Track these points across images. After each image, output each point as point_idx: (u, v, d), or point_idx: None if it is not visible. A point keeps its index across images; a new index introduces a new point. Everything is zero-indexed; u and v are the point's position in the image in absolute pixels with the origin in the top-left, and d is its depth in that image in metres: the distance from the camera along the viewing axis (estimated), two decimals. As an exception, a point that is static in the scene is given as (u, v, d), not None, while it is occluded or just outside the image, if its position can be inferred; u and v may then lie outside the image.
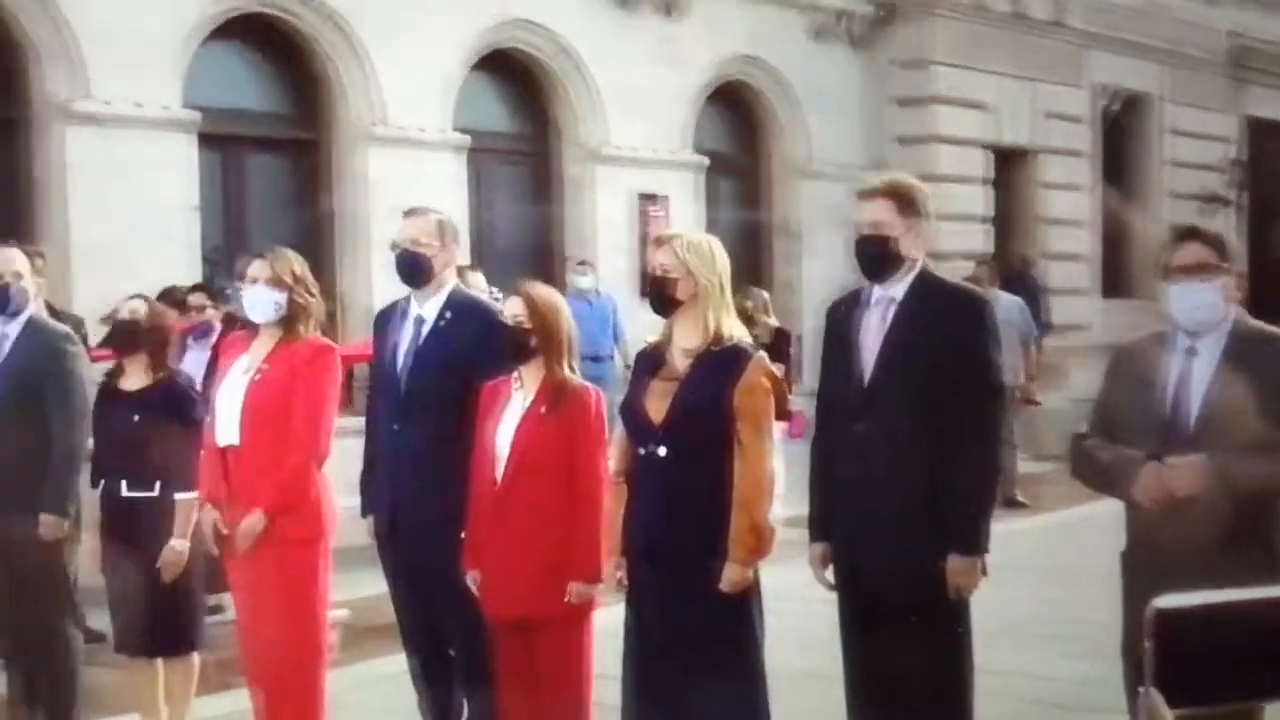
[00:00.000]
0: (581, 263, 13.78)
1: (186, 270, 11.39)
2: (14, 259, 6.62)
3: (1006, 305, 12.89)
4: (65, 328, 6.80)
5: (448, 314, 5.62)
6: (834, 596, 4.89)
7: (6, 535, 6.37)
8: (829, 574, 4.89)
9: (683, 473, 4.85)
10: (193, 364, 8.53)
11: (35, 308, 6.66)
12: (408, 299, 5.75)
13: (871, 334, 4.80)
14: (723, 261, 5.01)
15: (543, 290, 5.39)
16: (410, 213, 5.83)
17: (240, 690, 6.25)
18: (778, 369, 5.10)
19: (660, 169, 15.62)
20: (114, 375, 6.36)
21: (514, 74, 15.09)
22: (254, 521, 5.67)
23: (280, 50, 13.43)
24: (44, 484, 6.29)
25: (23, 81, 11.83)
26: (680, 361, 4.85)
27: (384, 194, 12.49)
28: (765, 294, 12.84)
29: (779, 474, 5.02)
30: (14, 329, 6.48)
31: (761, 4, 16.43)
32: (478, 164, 14.41)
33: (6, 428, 6.30)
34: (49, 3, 11.58)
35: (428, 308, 5.68)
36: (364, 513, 5.92)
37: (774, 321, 12.06)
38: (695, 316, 4.86)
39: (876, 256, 4.69)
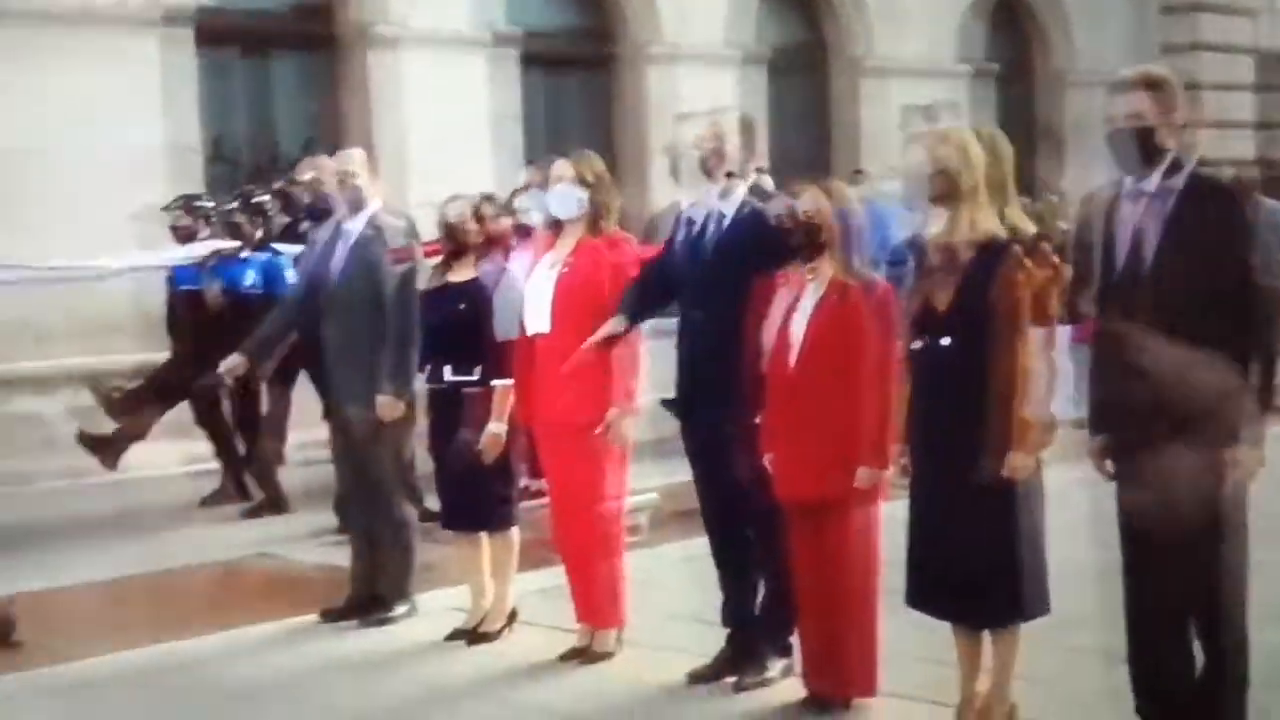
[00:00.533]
0: (857, 171, 13.75)
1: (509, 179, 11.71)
2: (354, 159, 7.01)
3: (1270, 209, 12.35)
4: (402, 224, 7.14)
5: (746, 209, 5.66)
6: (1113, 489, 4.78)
7: (347, 416, 6.83)
8: (1108, 466, 4.74)
9: (964, 362, 4.87)
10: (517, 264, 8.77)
11: (375, 206, 6.93)
12: (710, 194, 5.79)
13: (1129, 227, 4.63)
14: (1005, 152, 5.04)
15: (837, 186, 5.44)
16: (710, 112, 5.90)
17: (557, 566, 6.53)
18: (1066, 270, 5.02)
19: (928, 80, 15.30)
20: (442, 269, 6.66)
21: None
22: (621, 418, 5.97)
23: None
24: (380, 368, 6.61)
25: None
26: (963, 253, 4.85)
27: (680, 107, 12.62)
28: (1055, 197, 12.63)
29: (1068, 373, 4.95)
30: (357, 224, 6.83)
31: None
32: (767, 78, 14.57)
33: (346, 315, 6.73)
34: None
35: (727, 203, 5.71)
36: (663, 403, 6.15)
37: (1064, 225, 11.85)
38: (974, 209, 4.83)
39: (1133, 147, 4.56)
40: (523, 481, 7.01)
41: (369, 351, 6.68)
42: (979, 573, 4.86)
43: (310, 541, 8.49)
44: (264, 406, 9.62)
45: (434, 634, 6.56)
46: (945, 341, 4.91)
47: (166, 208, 9.64)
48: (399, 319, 6.67)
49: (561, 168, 6.14)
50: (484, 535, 6.63)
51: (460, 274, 6.57)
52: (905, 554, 5.05)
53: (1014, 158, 5.24)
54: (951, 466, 4.87)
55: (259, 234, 9.37)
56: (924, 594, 5.03)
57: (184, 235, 9.52)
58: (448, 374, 6.51)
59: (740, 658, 5.75)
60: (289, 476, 9.63)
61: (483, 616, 6.58)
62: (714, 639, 5.86)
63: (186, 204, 9.62)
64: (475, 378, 6.43)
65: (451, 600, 6.86)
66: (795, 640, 5.64)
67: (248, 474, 9.70)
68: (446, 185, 7.07)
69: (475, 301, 6.45)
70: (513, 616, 6.59)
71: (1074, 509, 5.48)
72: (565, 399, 5.98)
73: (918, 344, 5.01)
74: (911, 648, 5.42)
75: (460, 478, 6.52)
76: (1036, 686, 5.16)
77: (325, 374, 7.10)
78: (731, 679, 5.72)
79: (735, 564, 5.86)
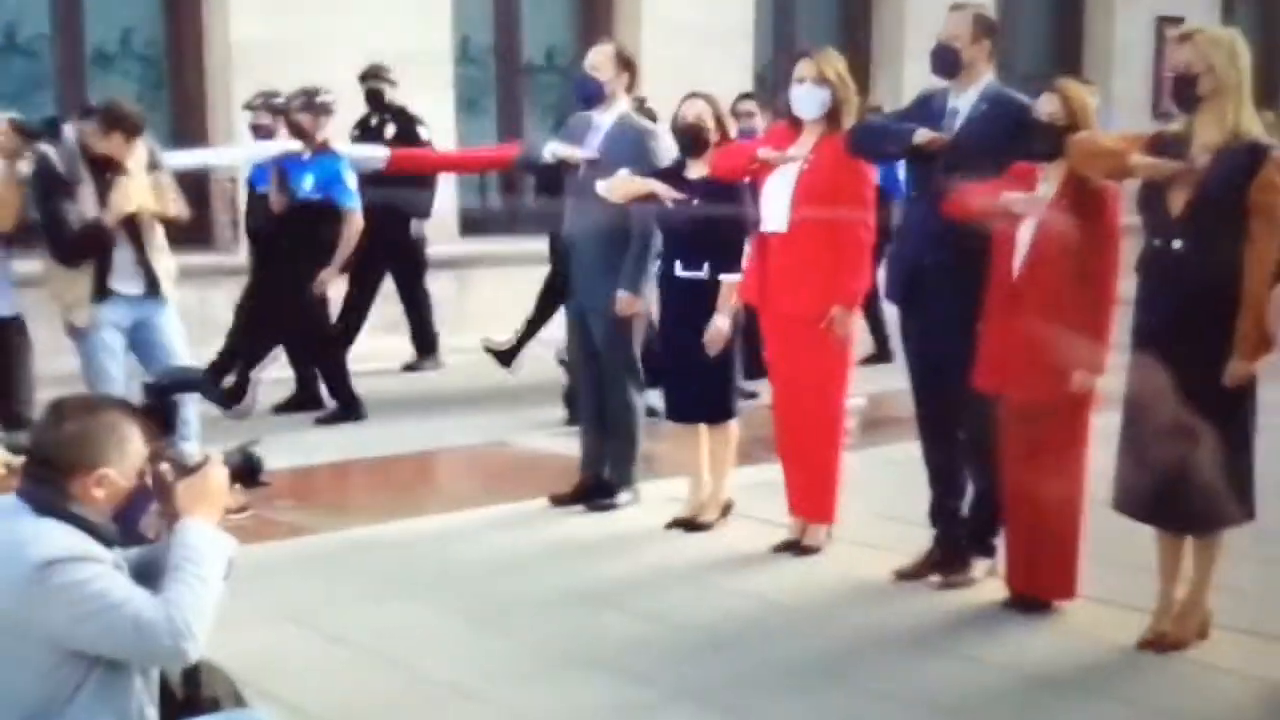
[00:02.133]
0: (1087, 82, 13.73)
1: (740, 83, 11.88)
2: (606, 53, 7.21)
3: None
4: (650, 124, 7.44)
5: (983, 106, 5.77)
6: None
7: (583, 308, 7.20)
8: None
9: (1197, 266, 4.98)
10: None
11: (626, 104, 7.22)
12: (944, 91, 5.90)
13: None
14: (1245, 58, 5.07)
15: (1075, 89, 5.53)
16: (954, 8, 5.99)
17: (772, 463, 6.83)
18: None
19: None
20: (678, 167, 6.87)
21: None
22: (845, 317, 6.23)
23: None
24: (621, 264, 6.95)
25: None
26: (1200, 156, 4.90)
27: (919, 11, 12.81)
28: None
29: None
30: (607, 120, 7.12)
31: None
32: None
33: (595, 210, 6.91)
34: None
35: (963, 100, 5.82)
36: (886, 295, 6.34)
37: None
38: (1216, 112, 4.97)
39: None
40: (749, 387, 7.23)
41: (613, 247, 6.98)
42: (1190, 478, 4.92)
43: (541, 431, 8.87)
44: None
45: (655, 521, 6.92)
46: (1178, 245, 5.00)
47: (247, 105, 9.65)
48: (642, 217, 6.92)
49: (805, 68, 6.30)
50: (703, 427, 6.90)
51: (693, 172, 6.77)
52: (1116, 459, 5.15)
53: (1267, 69, 5.22)
54: (1176, 370, 4.98)
55: (321, 136, 9.15)
56: (1132, 497, 5.12)
57: (264, 135, 9.47)
58: (679, 269, 6.76)
59: (945, 557, 6.00)
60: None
61: (700, 506, 6.89)
62: (921, 539, 6.12)
63: (265, 101, 9.50)
64: (704, 274, 6.67)
65: (672, 490, 7.19)
66: (1000, 541, 5.85)
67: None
68: (684, 85, 7.20)
69: (706, 200, 6.64)
70: (728, 508, 6.90)
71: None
72: (801, 293, 6.22)
73: (1149, 246, 5.10)
74: (1114, 552, 5.54)
75: (684, 369, 6.81)
76: (1232, 595, 5.30)
77: (570, 266, 7.35)
78: (936, 577, 5.96)
79: (945, 464, 6.07)
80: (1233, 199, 4.89)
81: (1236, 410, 4.99)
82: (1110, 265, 5.37)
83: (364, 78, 10.23)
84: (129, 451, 3.35)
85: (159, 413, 3.81)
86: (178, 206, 7.17)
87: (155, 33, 10.91)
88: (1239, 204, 4.88)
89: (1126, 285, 5.30)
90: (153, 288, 7.11)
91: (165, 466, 3.41)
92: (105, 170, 6.93)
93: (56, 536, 3.22)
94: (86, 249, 6.97)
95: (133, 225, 6.98)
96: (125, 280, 7.07)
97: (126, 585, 3.24)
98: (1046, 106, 5.46)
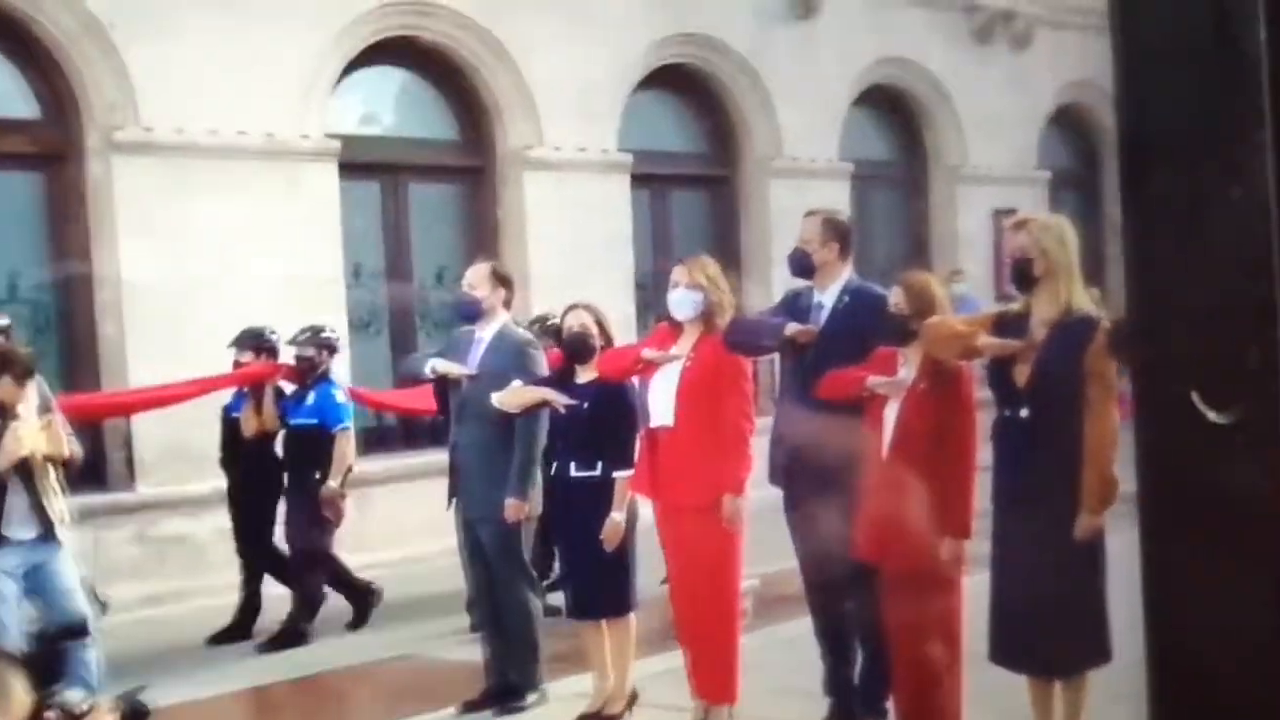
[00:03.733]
0: (956, 271, 15.06)
1: (622, 294, 12.52)
2: (482, 272, 7.81)
3: None
4: (529, 335, 8.06)
5: (845, 299, 6.36)
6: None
7: (471, 517, 7.63)
8: None
9: (1043, 431, 5.62)
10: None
11: (505, 318, 7.79)
12: (810, 289, 6.49)
13: None
14: (1073, 241, 5.80)
15: (919, 280, 6.16)
16: (807, 214, 6.61)
17: (673, 650, 7.26)
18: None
19: (1012, 185, 17.70)
20: (565, 375, 7.39)
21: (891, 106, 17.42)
22: (733, 505, 6.65)
23: (696, 95, 15.49)
24: (508, 471, 7.40)
25: (489, 133, 13.51)
26: (1039, 331, 5.46)
27: (783, 220, 13.79)
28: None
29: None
30: (488, 334, 7.68)
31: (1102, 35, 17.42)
32: (860, 189, 16.50)
33: (478, 420, 7.46)
34: (508, 59, 13.23)
35: (827, 295, 6.50)
36: (770, 479, 6.89)
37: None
38: (1051, 290, 5.58)
39: None
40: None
41: (497, 454, 7.42)
42: (1049, 625, 5.42)
43: (447, 640, 9.21)
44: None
45: (564, 718, 7.24)
46: (1025, 413, 5.63)
47: (233, 342, 10.14)
48: (525, 425, 7.40)
49: (679, 274, 6.91)
50: (604, 622, 7.28)
51: (582, 376, 7.27)
52: (988, 614, 5.63)
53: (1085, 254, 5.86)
54: (1032, 527, 5.59)
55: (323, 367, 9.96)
56: (1002, 648, 5.58)
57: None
58: (573, 469, 7.20)
59: None
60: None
61: (607, 699, 7.27)
62: (819, 710, 6.63)
63: (254, 340, 10.10)
64: (598, 472, 7.10)
65: (578, 686, 7.58)
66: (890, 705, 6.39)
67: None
68: (566, 298, 7.85)
69: (596, 402, 7.14)
70: (634, 698, 7.34)
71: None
72: (690, 483, 6.72)
73: (1000, 416, 5.67)
74: (998, 703, 5.98)
75: (581, 567, 7.24)
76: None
77: (458, 477, 7.75)
78: (836, 746, 6.38)
79: (834, 635, 6.62)
80: (1070, 368, 5.54)
81: (1088, 560, 5.56)
82: (968, 437, 6.00)
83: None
84: (12, 703, 3.43)
85: (47, 660, 3.79)
86: (71, 446, 7.37)
87: (46, 277, 11.32)
88: (1076, 372, 5.52)
89: (985, 453, 5.87)
90: (47, 532, 7.19)
91: (51, 715, 3.46)
92: None
93: None
94: None
95: (26, 469, 7.13)
96: (19, 526, 7.14)
97: None
98: (893, 298, 6.16)
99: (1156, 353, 2.59)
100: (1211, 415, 2.35)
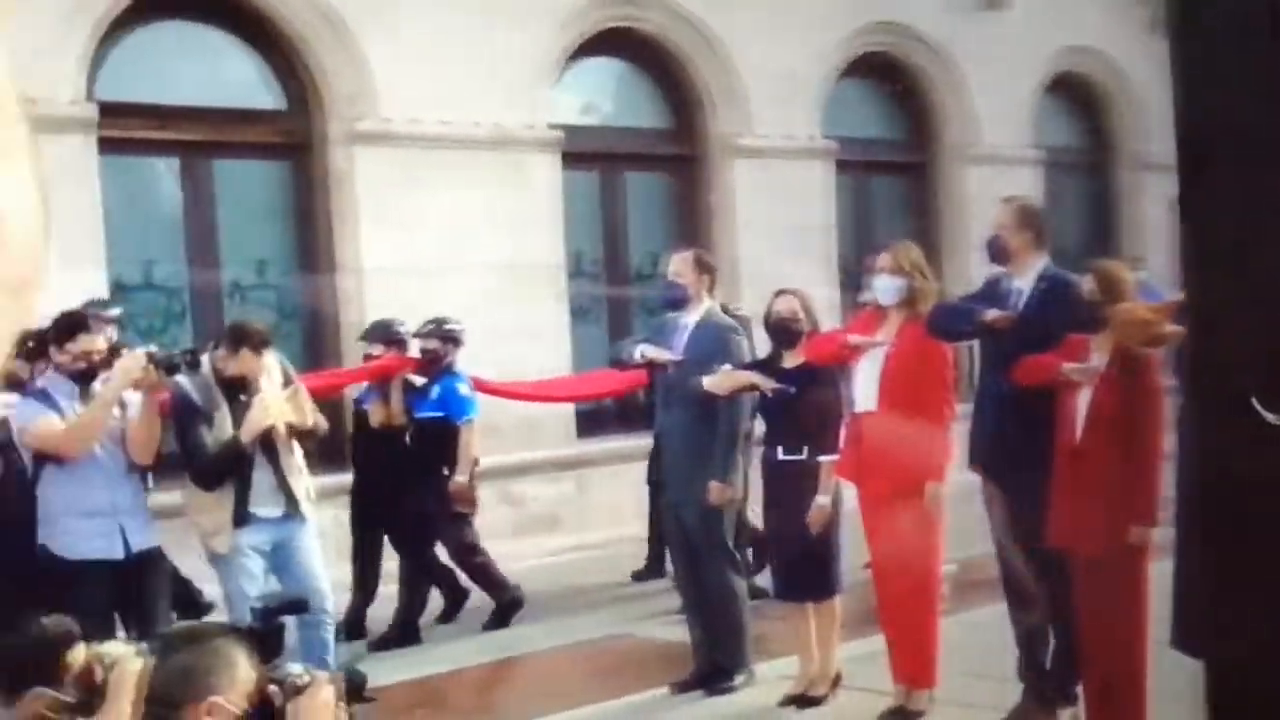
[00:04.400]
0: (1137, 259, 14.79)
1: (827, 279, 12.33)
2: (686, 259, 7.71)
3: None
4: (733, 321, 7.88)
5: (1042, 285, 6.13)
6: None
7: (675, 500, 7.54)
8: None
9: None
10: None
11: (709, 304, 7.65)
12: (1008, 274, 6.31)
13: None
14: None
15: (1109, 267, 5.97)
16: (1003, 201, 6.41)
17: (876, 633, 7.11)
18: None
19: None
20: (773, 359, 7.26)
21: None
22: (935, 491, 6.54)
23: (895, 82, 15.23)
24: (713, 455, 7.27)
25: (700, 122, 13.37)
26: None
27: (978, 206, 13.46)
28: None
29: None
30: (692, 320, 7.56)
31: None
32: (1050, 176, 16.02)
33: (683, 405, 7.36)
34: (719, 49, 13.12)
35: (1024, 281, 6.28)
36: (968, 463, 6.70)
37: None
38: None
39: None
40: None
41: (703, 439, 7.31)
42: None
43: (659, 620, 9.13)
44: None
45: (769, 699, 7.19)
46: None
47: (362, 336, 9.99)
48: (729, 409, 7.26)
49: (883, 260, 6.75)
50: (809, 605, 7.12)
51: (789, 361, 7.09)
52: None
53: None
54: None
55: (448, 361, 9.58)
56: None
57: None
58: (780, 453, 7.07)
59: (1034, 709, 6.20)
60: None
61: (811, 681, 7.15)
62: (1013, 694, 6.45)
63: (382, 334, 9.78)
64: (804, 456, 6.95)
65: (784, 668, 7.46)
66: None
67: None
68: (773, 283, 7.73)
69: (802, 387, 6.98)
70: (837, 680, 7.18)
71: None
72: (893, 469, 6.57)
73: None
74: (1178, 687, 5.67)
75: (789, 550, 7.10)
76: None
77: (664, 459, 7.68)
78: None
79: (1028, 621, 6.41)
80: None
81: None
82: (1156, 424, 5.79)
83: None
84: (238, 677, 3.35)
85: (269, 635, 3.83)
86: (315, 417, 7.31)
87: (289, 264, 11.54)
88: None
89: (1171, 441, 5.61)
90: (292, 508, 7.18)
91: (274, 689, 3.48)
92: (240, 392, 7.06)
93: None
94: (225, 470, 7.02)
95: (270, 447, 7.08)
96: (265, 503, 7.12)
97: None
98: (1086, 285, 5.94)
99: (1214, 355, 2.48)
100: (1271, 417, 2.29)
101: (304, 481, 7.29)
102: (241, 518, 7.05)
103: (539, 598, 10.01)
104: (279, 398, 7.11)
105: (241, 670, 3.38)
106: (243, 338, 7.19)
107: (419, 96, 11.48)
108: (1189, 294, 2.37)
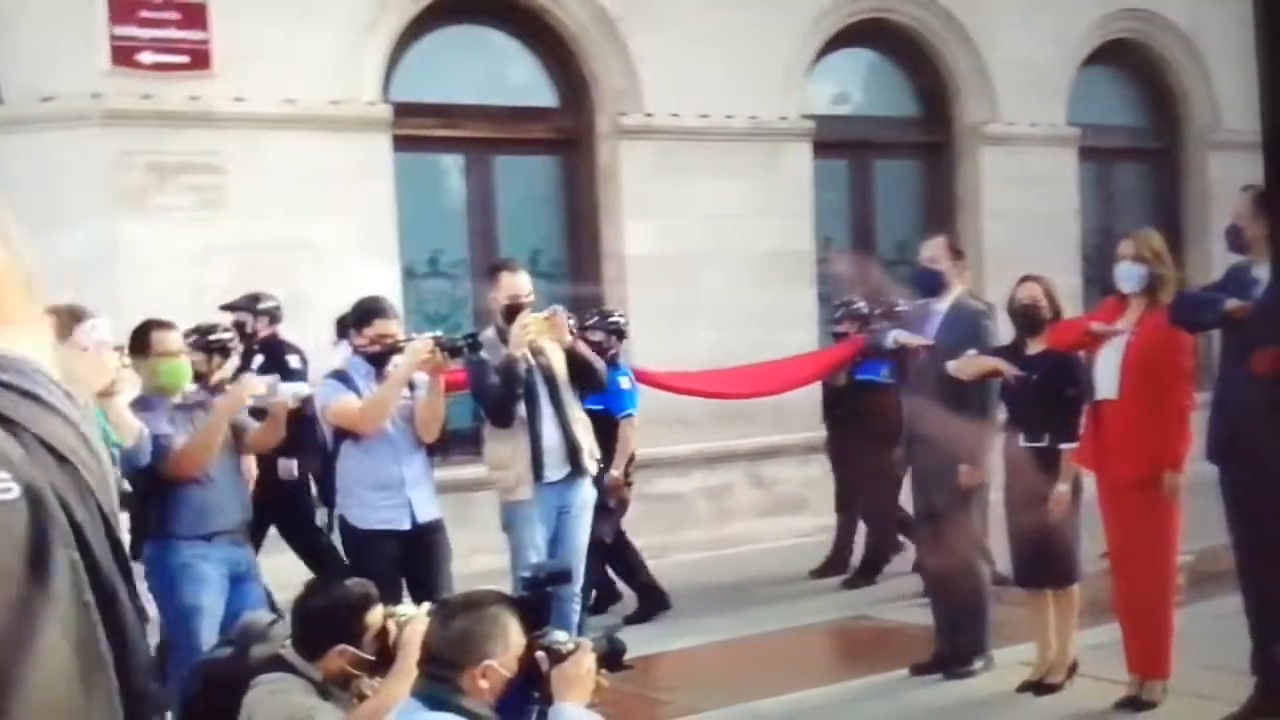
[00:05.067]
0: None
1: (1069, 266, 12.11)
2: (939, 245, 7.62)
3: None
4: (984, 307, 7.69)
5: None
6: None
7: (931, 484, 7.44)
8: None
9: None
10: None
11: (960, 290, 7.54)
12: (1250, 263, 6.19)
13: None
14: None
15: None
16: (1243, 189, 6.37)
17: (1110, 624, 6.98)
18: None
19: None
20: (1016, 346, 7.15)
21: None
22: (1173, 481, 6.38)
23: (1138, 69, 14.78)
24: (964, 438, 7.18)
25: (948, 110, 13.30)
26: None
27: (1221, 193, 12.76)
28: None
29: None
30: (944, 306, 7.48)
31: None
32: None
33: (934, 389, 7.26)
34: (967, 38, 13.01)
35: (1265, 270, 6.02)
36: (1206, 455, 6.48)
37: None
38: None
39: None
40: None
41: (954, 422, 7.19)
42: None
43: (898, 603, 9.07)
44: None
45: (1007, 686, 7.10)
46: None
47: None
48: (977, 394, 7.18)
49: (1125, 247, 6.64)
50: (1048, 592, 7.03)
51: (1031, 348, 7.02)
52: None
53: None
54: None
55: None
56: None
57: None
58: (1021, 440, 6.98)
59: (1266, 701, 6.13)
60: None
61: (1048, 668, 7.06)
62: (1248, 687, 6.25)
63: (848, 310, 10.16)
64: (1045, 443, 6.85)
65: (1022, 654, 7.33)
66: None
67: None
68: (1017, 270, 7.60)
69: (1045, 373, 6.86)
70: (1074, 668, 7.06)
71: None
72: (1132, 458, 6.42)
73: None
74: None
75: (1029, 536, 6.99)
76: None
77: (914, 443, 7.57)
78: (1258, 722, 6.15)
79: (1262, 614, 6.21)
80: None
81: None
82: None
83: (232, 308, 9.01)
84: (510, 643, 3.51)
85: (537, 604, 3.98)
86: (573, 337, 7.38)
87: (560, 253, 11.77)
88: None
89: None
90: (576, 469, 7.25)
91: (540, 655, 3.65)
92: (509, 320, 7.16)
93: None
94: (510, 394, 7.05)
95: (556, 398, 7.15)
96: (553, 464, 7.17)
97: None
98: None
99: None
100: None
101: (588, 438, 7.34)
102: (537, 473, 7.12)
103: (784, 578, 10.06)
104: (537, 317, 7.19)
105: (513, 636, 3.55)
106: (498, 264, 7.58)
107: (679, 91, 11.59)
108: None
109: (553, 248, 11.73)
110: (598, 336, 9.08)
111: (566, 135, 11.69)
